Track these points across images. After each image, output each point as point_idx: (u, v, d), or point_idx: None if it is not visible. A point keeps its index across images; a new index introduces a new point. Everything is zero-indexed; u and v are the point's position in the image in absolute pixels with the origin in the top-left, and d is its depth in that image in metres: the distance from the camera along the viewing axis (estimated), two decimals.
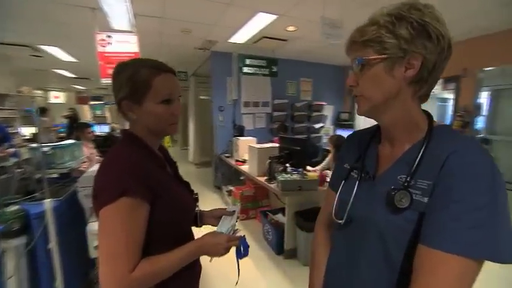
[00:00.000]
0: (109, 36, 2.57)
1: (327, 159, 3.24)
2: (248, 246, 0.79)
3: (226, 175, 4.52)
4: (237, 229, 0.81)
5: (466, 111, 3.37)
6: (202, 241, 0.73)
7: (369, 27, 0.53)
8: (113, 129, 5.82)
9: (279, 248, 2.58)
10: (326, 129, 5.63)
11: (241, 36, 3.47)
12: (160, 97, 0.71)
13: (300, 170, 2.61)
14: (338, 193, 0.69)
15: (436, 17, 0.51)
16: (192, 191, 0.89)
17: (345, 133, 4.99)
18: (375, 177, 0.61)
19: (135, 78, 0.69)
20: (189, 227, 0.83)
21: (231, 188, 3.93)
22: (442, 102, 6.20)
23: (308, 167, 2.90)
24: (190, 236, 0.83)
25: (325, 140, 5.63)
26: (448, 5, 2.43)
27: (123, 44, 2.53)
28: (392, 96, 0.54)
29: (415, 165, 0.53)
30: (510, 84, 4.11)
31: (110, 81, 2.47)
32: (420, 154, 0.53)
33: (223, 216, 0.94)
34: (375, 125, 0.71)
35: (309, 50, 4.25)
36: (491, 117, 4.39)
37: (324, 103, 5.41)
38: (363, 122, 5.44)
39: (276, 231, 2.59)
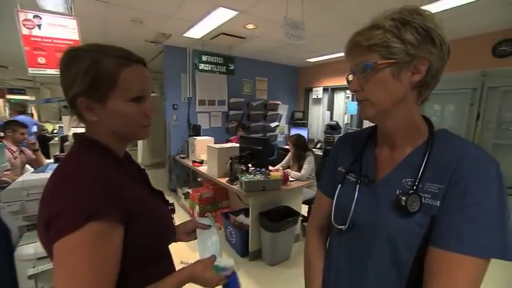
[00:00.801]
0: (37, 17, 2.13)
1: (287, 157, 3.30)
2: (238, 284, 0.70)
3: (182, 177, 4.28)
4: (230, 266, 0.70)
5: None
6: (193, 273, 0.62)
7: (374, 31, 0.51)
8: (42, 129, 4.95)
9: (244, 250, 2.53)
10: (281, 128, 5.79)
11: (199, 31, 3.28)
12: (131, 94, 0.57)
13: (263, 170, 2.59)
14: (335, 197, 0.67)
15: (436, 23, 0.51)
16: (167, 201, 0.77)
17: (299, 131, 5.20)
18: (375, 181, 0.61)
19: (96, 70, 0.54)
20: (168, 246, 0.71)
21: (188, 190, 3.72)
22: None
23: (270, 167, 2.91)
24: (169, 255, 0.71)
25: (280, 138, 5.79)
26: None
27: (59, 28, 2.13)
28: (399, 101, 0.54)
29: (421, 169, 0.53)
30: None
31: (41, 72, 2.03)
32: (426, 158, 0.53)
33: (198, 232, 0.83)
34: (368, 128, 0.71)
35: (266, 49, 4.27)
36: None
37: (279, 102, 5.54)
38: (316, 122, 5.76)
39: (240, 233, 2.53)
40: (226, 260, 0.70)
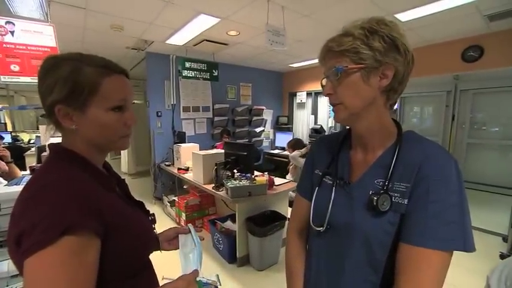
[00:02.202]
0: (9, 23, 2.05)
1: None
2: None
3: (167, 185, 4.19)
4: (212, 281, 0.67)
5: None
6: None
7: (345, 38, 0.55)
8: (16, 140, 4.72)
9: (232, 256, 2.51)
10: (266, 133, 5.82)
11: (181, 37, 3.28)
12: (111, 103, 0.57)
13: (248, 175, 2.60)
14: (313, 200, 0.69)
15: (401, 33, 0.55)
16: (148, 211, 0.76)
17: (284, 136, 5.26)
18: (351, 183, 0.63)
19: (76, 78, 0.54)
20: (149, 256, 0.70)
21: (174, 198, 3.66)
22: None
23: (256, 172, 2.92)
24: (150, 265, 0.70)
25: (265, 143, 5.82)
26: None
27: (34, 35, 2.06)
28: (369, 103, 0.57)
29: (391, 170, 0.56)
30: (411, 93, 5.06)
31: (14, 80, 1.96)
32: (394, 159, 0.56)
33: (180, 244, 0.80)
34: (343, 131, 0.73)
35: (250, 55, 4.32)
36: (400, 120, 5.32)
37: (263, 107, 5.58)
38: (301, 126, 5.84)
39: (227, 240, 2.51)
40: (209, 275, 0.69)
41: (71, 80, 0.54)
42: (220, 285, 0.69)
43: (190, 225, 0.86)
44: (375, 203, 0.54)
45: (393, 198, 0.54)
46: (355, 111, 0.57)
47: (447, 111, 4.61)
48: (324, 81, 0.61)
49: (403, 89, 0.59)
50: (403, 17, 2.61)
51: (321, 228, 0.64)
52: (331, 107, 0.61)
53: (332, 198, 0.63)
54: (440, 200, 0.50)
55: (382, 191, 0.54)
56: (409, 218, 0.52)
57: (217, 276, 0.70)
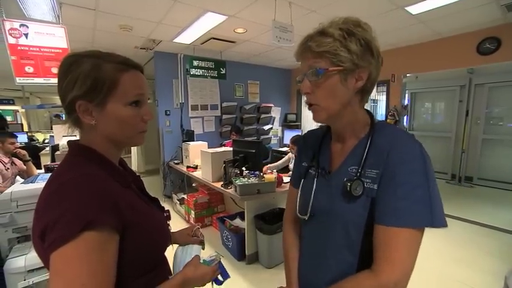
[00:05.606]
0: (24, 26, 2.11)
1: (284, 159, 3.34)
2: (226, 271, 0.75)
3: (176, 183, 4.25)
4: (215, 255, 0.74)
5: (396, 111, 3.92)
6: (186, 275, 0.63)
7: (325, 39, 0.56)
8: (32, 139, 4.86)
9: (241, 253, 2.52)
10: (274, 130, 5.80)
11: (189, 36, 3.30)
12: (129, 98, 0.59)
13: (257, 172, 2.60)
14: (299, 191, 0.74)
15: (373, 36, 0.57)
16: (163, 208, 0.78)
17: (293, 133, 5.22)
18: (331, 172, 0.67)
19: (96, 74, 0.55)
20: (164, 252, 0.71)
21: (183, 196, 3.70)
22: (373, 103, 7.07)
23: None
24: (165, 261, 0.71)
25: (274, 141, 5.80)
26: (378, 19, 2.75)
27: (47, 36, 2.11)
28: (345, 104, 0.60)
29: (363, 157, 0.59)
30: (422, 88, 4.93)
31: (29, 81, 2.01)
32: (367, 148, 0.60)
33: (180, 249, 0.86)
34: (325, 125, 0.77)
35: (257, 52, 4.31)
36: (410, 116, 5.20)
37: (271, 105, 5.56)
38: (309, 124, 5.79)
39: (236, 237, 2.52)
40: (209, 254, 0.74)
41: (92, 76, 0.55)
42: (222, 256, 0.75)
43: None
44: (348, 189, 0.57)
45: (365, 184, 0.58)
46: (332, 112, 0.60)
47: (460, 107, 4.47)
48: (299, 78, 0.63)
49: (373, 89, 0.63)
50: (414, 9, 2.52)
51: (305, 216, 0.68)
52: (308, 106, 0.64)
53: (314, 187, 0.67)
54: (406, 182, 0.53)
55: (355, 178, 0.58)
56: (381, 201, 0.55)
57: (216, 252, 0.76)
